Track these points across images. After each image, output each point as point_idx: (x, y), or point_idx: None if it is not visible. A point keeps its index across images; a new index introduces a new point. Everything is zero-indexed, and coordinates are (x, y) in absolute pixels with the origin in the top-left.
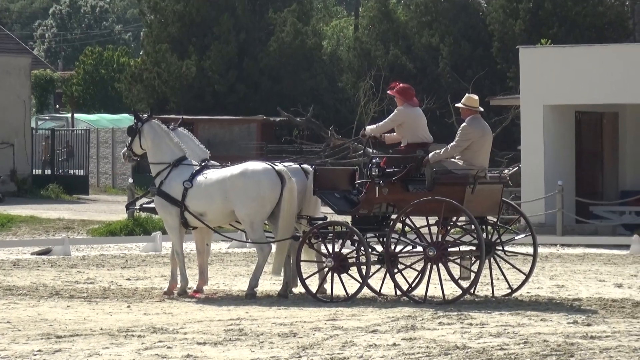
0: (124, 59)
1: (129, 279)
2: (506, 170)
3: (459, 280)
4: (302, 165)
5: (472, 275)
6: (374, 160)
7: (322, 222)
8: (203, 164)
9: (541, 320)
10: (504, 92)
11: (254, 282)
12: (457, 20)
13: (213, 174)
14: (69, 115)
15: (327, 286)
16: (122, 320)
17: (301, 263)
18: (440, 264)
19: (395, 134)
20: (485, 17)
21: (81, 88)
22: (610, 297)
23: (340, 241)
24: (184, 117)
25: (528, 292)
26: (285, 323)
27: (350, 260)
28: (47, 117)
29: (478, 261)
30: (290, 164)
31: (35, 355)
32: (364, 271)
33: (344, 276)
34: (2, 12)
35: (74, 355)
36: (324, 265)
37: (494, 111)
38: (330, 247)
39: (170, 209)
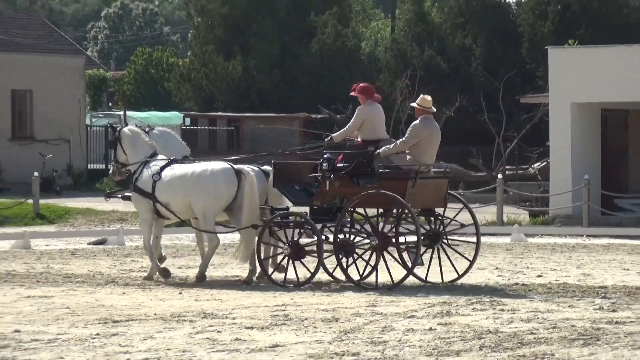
0: (172, 59)
1: (180, 267)
2: (535, 165)
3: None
4: (262, 167)
5: (425, 261)
6: (324, 156)
7: (280, 212)
8: (171, 159)
9: (569, 306)
10: (533, 91)
11: (203, 268)
12: (489, 22)
13: (179, 169)
14: (122, 112)
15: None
16: (174, 306)
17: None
18: (385, 252)
19: None
20: (516, 19)
21: (132, 87)
22: (634, 285)
23: (297, 230)
24: (230, 114)
25: (556, 280)
26: (328, 309)
27: (306, 249)
28: (100, 115)
29: (429, 249)
30: (251, 166)
31: (94, 338)
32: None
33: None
34: (56, 15)
35: (129, 338)
36: (281, 251)
37: (524, 109)
38: (288, 235)
39: (143, 202)
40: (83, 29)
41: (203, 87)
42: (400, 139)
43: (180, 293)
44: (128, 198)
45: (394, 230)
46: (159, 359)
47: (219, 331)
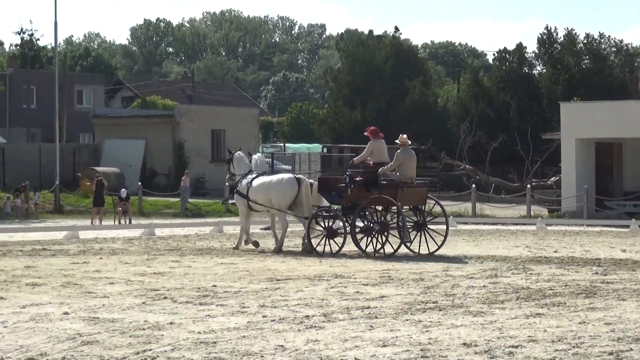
0: (315, 110)
1: (321, 245)
2: (552, 178)
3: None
4: (296, 176)
5: (412, 239)
6: (347, 173)
7: (320, 208)
8: (259, 173)
9: (575, 272)
10: (551, 130)
11: (280, 244)
12: (521, 85)
13: (262, 179)
14: (282, 144)
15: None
16: (316, 270)
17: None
18: (384, 234)
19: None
20: (538, 84)
21: (289, 128)
22: (618, 258)
23: (332, 220)
24: (352, 145)
25: (567, 254)
26: (416, 272)
27: (339, 232)
28: (268, 146)
29: (417, 232)
30: (300, 175)
31: (264, 291)
32: (349, 237)
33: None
34: (240, 81)
35: (287, 291)
36: (321, 233)
37: (544, 142)
38: (325, 223)
39: (241, 200)
40: (258, 90)
41: (335, 128)
42: (390, 163)
43: (320, 262)
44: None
45: (391, 219)
46: (306, 305)
47: (345, 287)
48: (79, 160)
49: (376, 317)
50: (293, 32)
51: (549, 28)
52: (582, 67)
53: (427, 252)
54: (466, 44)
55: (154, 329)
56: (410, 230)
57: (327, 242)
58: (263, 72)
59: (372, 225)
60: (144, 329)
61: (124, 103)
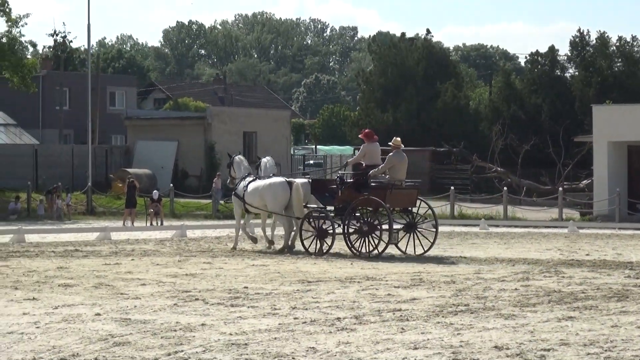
0: (346, 112)
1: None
2: (584, 181)
3: (392, 243)
4: (288, 180)
5: (403, 241)
6: (338, 175)
7: (311, 209)
8: (255, 177)
9: (607, 275)
10: (582, 133)
11: (285, 243)
12: (553, 88)
13: (257, 183)
14: (313, 146)
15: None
16: (347, 272)
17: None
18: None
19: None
20: (570, 86)
21: (320, 130)
22: None
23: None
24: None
25: (599, 257)
26: (448, 275)
27: (329, 231)
28: (299, 148)
29: (407, 233)
30: (302, 179)
31: (295, 292)
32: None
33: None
34: (272, 83)
35: (318, 293)
36: (311, 234)
37: (576, 145)
38: (315, 223)
39: (238, 202)
40: (290, 92)
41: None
42: (381, 165)
43: (351, 264)
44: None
45: (377, 221)
46: (337, 307)
47: (376, 289)
48: (111, 162)
49: (407, 320)
50: (325, 34)
51: (581, 31)
52: (615, 69)
53: (418, 253)
54: (498, 46)
55: (186, 330)
56: (396, 231)
57: (317, 242)
58: (295, 74)
59: (361, 226)
60: (175, 330)
61: (156, 105)
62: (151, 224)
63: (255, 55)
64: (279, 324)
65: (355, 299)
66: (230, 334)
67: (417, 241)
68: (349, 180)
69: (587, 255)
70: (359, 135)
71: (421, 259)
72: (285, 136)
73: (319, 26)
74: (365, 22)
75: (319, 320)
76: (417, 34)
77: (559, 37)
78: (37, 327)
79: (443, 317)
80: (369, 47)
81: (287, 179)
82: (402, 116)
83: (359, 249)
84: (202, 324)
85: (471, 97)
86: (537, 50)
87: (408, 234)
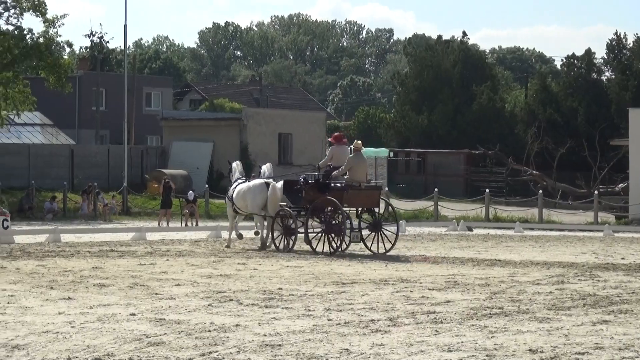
0: (382, 114)
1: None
2: (620, 185)
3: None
4: (266, 181)
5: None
6: (302, 177)
7: (280, 209)
8: (242, 180)
9: None
10: (619, 137)
11: (264, 241)
12: (589, 91)
13: (242, 186)
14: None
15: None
16: (382, 274)
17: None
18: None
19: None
20: (607, 90)
21: (356, 132)
22: None
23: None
24: (419, 150)
25: (634, 261)
26: (482, 277)
27: (293, 230)
28: None
29: (373, 233)
30: (267, 180)
31: (329, 294)
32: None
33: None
34: (308, 85)
35: (352, 295)
36: (279, 233)
37: (612, 148)
38: (284, 222)
39: (229, 204)
40: (325, 94)
41: (402, 132)
42: (341, 167)
43: (386, 266)
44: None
45: (335, 221)
46: (371, 308)
47: (410, 291)
48: (147, 163)
49: (442, 322)
50: (361, 36)
51: (618, 34)
52: None
53: (381, 251)
54: (534, 49)
55: (220, 331)
56: (357, 230)
57: (284, 239)
58: (330, 76)
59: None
60: (209, 331)
61: (192, 106)
62: (186, 225)
63: (291, 57)
64: (313, 326)
65: (390, 301)
66: (264, 335)
67: (382, 240)
68: (310, 182)
69: (623, 259)
70: (329, 139)
71: (456, 261)
72: (321, 138)
73: (355, 28)
74: (401, 24)
75: (353, 322)
76: (453, 37)
77: (595, 40)
78: (72, 327)
79: (477, 319)
80: (404, 49)
81: (266, 181)
82: (437, 119)
83: (323, 248)
84: (237, 325)
85: (507, 100)
86: (573, 53)
87: (374, 233)
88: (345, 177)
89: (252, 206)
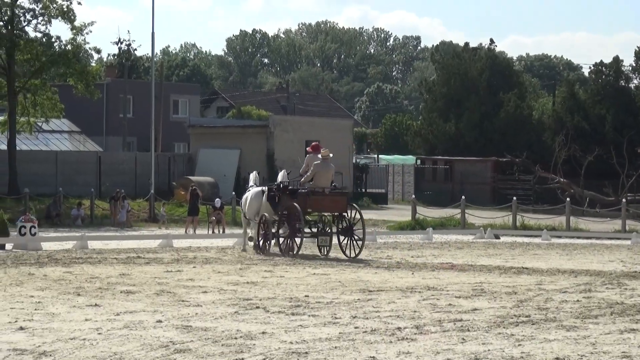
0: (409, 122)
1: (412, 257)
2: None
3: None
4: (263, 189)
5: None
6: (275, 183)
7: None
8: (250, 187)
9: None
10: None
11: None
12: (617, 99)
13: (246, 193)
14: (375, 156)
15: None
16: (408, 282)
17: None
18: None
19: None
20: (635, 97)
21: (383, 139)
22: None
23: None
24: (446, 157)
25: None
26: (509, 286)
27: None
28: (362, 157)
29: (344, 237)
30: (264, 188)
31: (356, 302)
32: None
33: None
34: (335, 93)
35: (379, 302)
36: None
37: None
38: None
39: (242, 210)
40: (352, 102)
41: (429, 139)
42: (306, 174)
43: (412, 274)
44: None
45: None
46: (398, 316)
47: (437, 299)
48: (174, 170)
49: (468, 330)
50: (388, 43)
51: None
52: None
53: (352, 255)
54: (562, 56)
55: (246, 338)
56: (328, 235)
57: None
58: (357, 83)
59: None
60: (236, 338)
61: (219, 113)
62: (213, 232)
63: (319, 64)
64: (340, 333)
65: (416, 308)
66: (291, 343)
67: (352, 244)
68: (282, 188)
69: (355, 253)
70: (307, 148)
71: (483, 269)
72: (348, 145)
73: (382, 35)
74: (428, 31)
75: (379, 329)
76: (481, 44)
77: (623, 47)
78: (99, 334)
79: (504, 327)
80: (432, 56)
81: (263, 189)
82: (464, 126)
83: (285, 249)
84: (263, 332)
85: (534, 108)
86: (601, 60)
87: (345, 237)
88: (310, 183)
89: (249, 212)
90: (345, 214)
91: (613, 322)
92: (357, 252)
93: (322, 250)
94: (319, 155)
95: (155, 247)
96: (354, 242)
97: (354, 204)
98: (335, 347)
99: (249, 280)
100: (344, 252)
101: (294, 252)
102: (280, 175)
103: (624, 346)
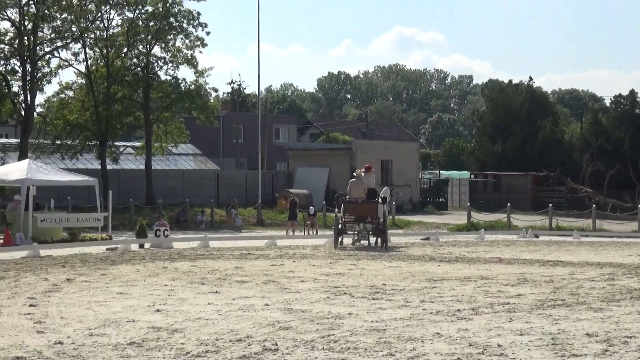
0: (464, 144)
1: (468, 253)
2: None
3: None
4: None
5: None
6: (336, 194)
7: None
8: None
9: None
10: None
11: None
12: (633, 123)
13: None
14: (437, 172)
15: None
16: (465, 273)
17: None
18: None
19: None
20: None
21: (443, 158)
22: None
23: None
24: (495, 172)
25: None
26: (547, 275)
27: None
28: (426, 173)
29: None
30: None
31: (423, 289)
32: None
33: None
34: (404, 121)
35: (442, 289)
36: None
37: None
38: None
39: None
40: (418, 128)
41: (480, 158)
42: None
43: (469, 266)
44: None
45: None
46: (457, 300)
47: (489, 286)
48: (276, 184)
49: (515, 312)
50: (447, 81)
51: None
52: None
53: (378, 246)
54: (587, 90)
55: (336, 318)
56: (366, 232)
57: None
58: (422, 113)
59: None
60: (328, 318)
61: (311, 138)
62: (308, 234)
63: (391, 99)
64: (411, 314)
65: (472, 294)
66: (372, 322)
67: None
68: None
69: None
70: (363, 169)
71: (525, 262)
72: (415, 163)
73: (442, 75)
74: (479, 71)
75: (442, 311)
76: (521, 81)
77: (638, 82)
78: (219, 315)
79: (543, 309)
80: (482, 91)
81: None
82: (509, 147)
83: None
84: (349, 313)
85: (565, 132)
86: (620, 93)
87: (375, 236)
88: (347, 196)
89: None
90: (375, 218)
91: (632, 305)
92: (381, 244)
93: (363, 242)
94: (354, 174)
95: (263, 245)
96: (378, 238)
97: (385, 209)
98: (407, 325)
99: (338, 271)
100: (374, 244)
101: (336, 246)
102: (383, 191)
103: None
